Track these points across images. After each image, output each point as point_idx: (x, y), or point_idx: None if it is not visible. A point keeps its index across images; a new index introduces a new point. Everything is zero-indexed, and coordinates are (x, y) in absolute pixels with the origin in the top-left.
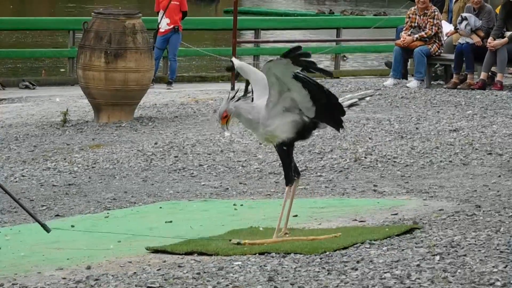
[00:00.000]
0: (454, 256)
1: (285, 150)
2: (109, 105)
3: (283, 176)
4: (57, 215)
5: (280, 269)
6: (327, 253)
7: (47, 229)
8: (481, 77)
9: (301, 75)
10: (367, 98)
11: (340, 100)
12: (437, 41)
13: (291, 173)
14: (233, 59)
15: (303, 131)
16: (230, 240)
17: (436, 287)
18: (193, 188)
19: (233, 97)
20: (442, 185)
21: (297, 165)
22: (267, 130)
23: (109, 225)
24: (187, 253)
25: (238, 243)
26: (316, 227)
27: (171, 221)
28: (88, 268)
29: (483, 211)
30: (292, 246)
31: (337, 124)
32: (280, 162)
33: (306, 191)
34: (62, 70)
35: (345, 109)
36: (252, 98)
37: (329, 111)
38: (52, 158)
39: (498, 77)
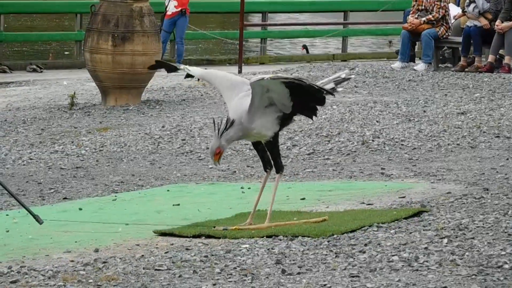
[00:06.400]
0: (462, 239)
1: (271, 141)
2: (117, 88)
3: (285, 160)
4: (65, 198)
5: (287, 252)
6: (335, 236)
7: (39, 221)
8: (489, 60)
9: (286, 80)
10: (345, 82)
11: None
12: (444, 24)
13: (280, 160)
14: (189, 68)
15: (284, 121)
16: (214, 227)
17: (444, 270)
18: (200, 171)
19: (223, 130)
20: (450, 168)
21: (305, 148)
22: (254, 132)
23: (116, 208)
24: (194, 236)
25: (225, 229)
26: (324, 210)
27: (178, 204)
28: (96, 251)
29: (491, 194)
30: (299, 229)
31: (311, 113)
32: (269, 152)
33: (314, 174)
34: (66, 53)
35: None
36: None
37: (305, 104)
38: (60, 141)
39: (506, 60)
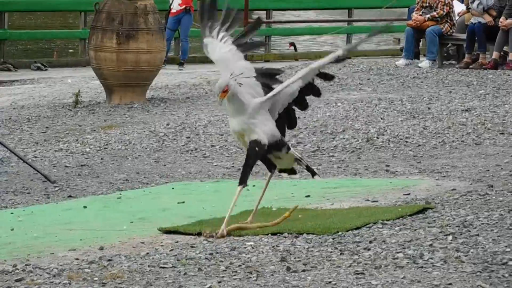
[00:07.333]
0: (466, 236)
1: (256, 150)
2: (121, 86)
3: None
4: (70, 196)
5: (292, 250)
6: (340, 233)
7: (50, 180)
8: (493, 56)
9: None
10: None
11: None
12: (448, 20)
13: (247, 176)
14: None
15: (273, 147)
16: (201, 232)
17: (449, 266)
18: (205, 168)
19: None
20: (455, 165)
21: (310, 145)
22: (251, 122)
23: (121, 206)
24: (199, 234)
25: (211, 236)
26: (329, 207)
27: (183, 202)
28: (101, 249)
29: (496, 190)
30: (304, 226)
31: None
32: (245, 158)
33: (318, 171)
34: (71, 51)
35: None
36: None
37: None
38: (64, 139)
39: (510, 57)
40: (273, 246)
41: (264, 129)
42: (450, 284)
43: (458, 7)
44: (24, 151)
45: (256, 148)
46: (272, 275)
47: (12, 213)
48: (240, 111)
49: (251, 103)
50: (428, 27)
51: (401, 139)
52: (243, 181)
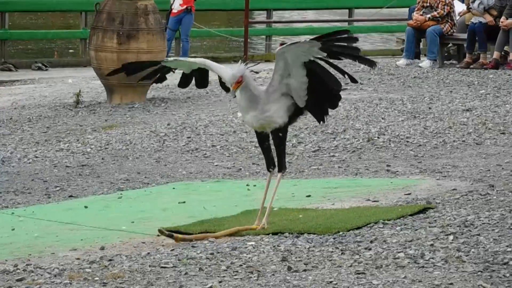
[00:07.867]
0: (467, 236)
1: (281, 136)
2: (122, 86)
3: (290, 158)
4: (71, 196)
5: (293, 249)
6: (341, 233)
7: None
8: (494, 56)
9: (316, 62)
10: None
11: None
12: (449, 20)
13: (284, 159)
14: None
15: (294, 115)
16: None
17: (450, 266)
18: (206, 168)
19: (247, 65)
20: (455, 165)
21: (311, 145)
22: (265, 116)
23: (122, 206)
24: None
25: (171, 236)
26: (329, 207)
27: (184, 202)
28: (102, 248)
29: (497, 190)
30: (305, 226)
31: (321, 117)
32: (275, 148)
33: (319, 171)
34: (71, 51)
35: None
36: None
37: (319, 104)
38: (65, 139)
39: (511, 57)
40: (274, 246)
41: (281, 114)
42: (451, 284)
43: (459, 7)
44: (25, 151)
45: (280, 134)
46: (273, 275)
47: (13, 213)
48: (253, 103)
49: (262, 96)
50: (429, 27)
51: (402, 139)
52: (282, 167)
